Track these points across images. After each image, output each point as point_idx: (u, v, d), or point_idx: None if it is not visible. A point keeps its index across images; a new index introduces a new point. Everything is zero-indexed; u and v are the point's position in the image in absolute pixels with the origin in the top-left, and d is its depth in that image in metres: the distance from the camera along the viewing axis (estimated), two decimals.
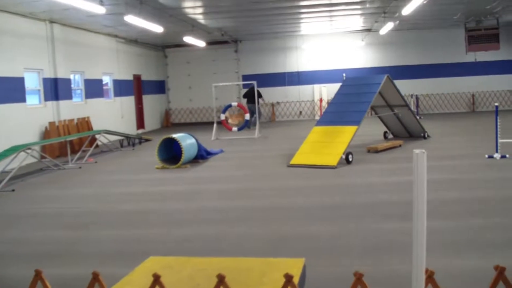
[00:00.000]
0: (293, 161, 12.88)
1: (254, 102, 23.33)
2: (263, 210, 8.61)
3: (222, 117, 20.59)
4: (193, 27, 21.16)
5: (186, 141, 13.85)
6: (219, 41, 27.13)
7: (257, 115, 21.53)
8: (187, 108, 29.54)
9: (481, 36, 25.61)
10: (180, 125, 28.41)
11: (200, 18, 20.27)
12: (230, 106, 20.91)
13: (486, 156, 12.53)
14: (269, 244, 6.72)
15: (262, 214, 8.32)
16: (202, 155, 14.62)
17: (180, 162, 13.37)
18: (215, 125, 20.33)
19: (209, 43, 26.83)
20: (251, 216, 8.24)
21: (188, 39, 23.17)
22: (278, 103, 28.95)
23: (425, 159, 2.21)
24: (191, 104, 29.43)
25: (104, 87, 22.50)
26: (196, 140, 14.44)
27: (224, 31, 24.42)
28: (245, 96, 24.43)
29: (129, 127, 23.99)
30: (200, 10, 18.77)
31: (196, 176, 12.41)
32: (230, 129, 20.25)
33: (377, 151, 14.34)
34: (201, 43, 24.90)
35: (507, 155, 12.31)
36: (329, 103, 15.39)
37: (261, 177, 11.76)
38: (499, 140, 12.41)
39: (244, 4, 17.81)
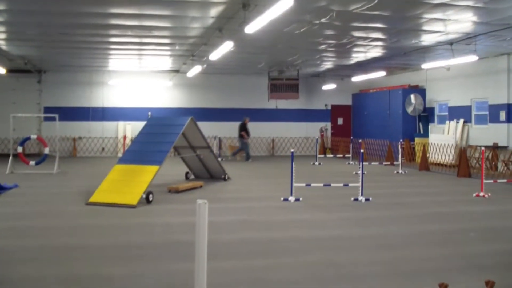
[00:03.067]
0: (92, 199, 12.54)
1: (241, 137, 25.52)
2: (55, 249, 8.25)
3: (20, 149, 19.53)
4: None
5: None
6: (22, 69, 25.82)
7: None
8: None
9: (283, 85, 27.28)
10: None
11: (2, 44, 19.25)
12: (29, 138, 19.94)
13: (282, 198, 13.18)
14: (62, 286, 6.46)
15: (54, 254, 7.98)
16: None
17: None
18: (11, 157, 19.18)
19: (10, 71, 25.27)
20: (41, 256, 7.87)
21: None
22: (80, 138, 28.16)
23: (207, 209, 2.32)
24: None
25: None
26: None
27: (27, 59, 23.40)
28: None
29: None
30: (3, 36, 17.84)
31: None
32: (28, 163, 19.23)
33: (178, 191, 14.46)
34: (1, 70, 23.48)
35: (301, 198, 13.07)
36: (132, 142, 15.30)
37: (56, 214, 11.30)
38: (294, 184, 13.18)
39: (52, 34, 17.29)
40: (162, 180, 15.63)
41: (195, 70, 23.84)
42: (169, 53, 21.70)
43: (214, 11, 13.91)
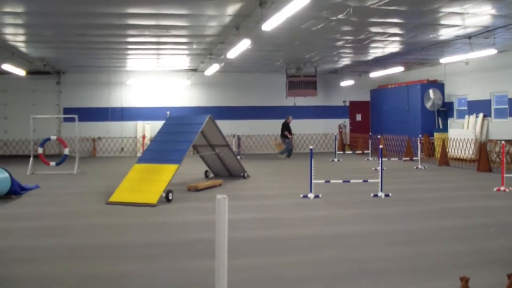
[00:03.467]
0: (112, 198, 12.64)
1: (284, 136, 25.84)
2: (75, 248, 8.33)
3: (40, 150, 19.70)
4: (13, 54, 20.19)
5: None
6: (41, 71, 26.06)
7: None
8: (1, 140, 27.76)
9: (300, 83, 27.14)
10: None
11: (21, 46, 19.41)
12: (49, 139, 20.11)
13: (301, 195, 13.17)
14: (79, 284, 6.52)
15: (73, 252, 8.05)
16: (15, 190, 13.80)
17: None
18: (31, 158, 19.35)
19: (30, 73, 25.47)
20: (61, 255, 7.95)
21: (7, 67, 21.96)
22: (99, 138, 28.34)
23: (227, 204, 2.33)
24: (6, 136, 27.65)
25: None
26: (10, 174, 13.66)
27: (46, 61, 23.56)
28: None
29: None
30: (21, 38, 17.99)
31: (7, 213, 11.72)
32: (48, 164, 19.38)
33: (197, 189, 14.50)
34: (20, 72, 23.65)
35: (320, 195, 13.05)
36: (151, 141, 15.37)
37: (77, 214, 11.38)
38: (313, 181, 13.17)
39: (69, 35, 17.39)
40: (181, 179, 15.67)
41: (213, 68, 23.90)
42: (186, 52, 21.75)
43: (231, 9, 13.92)
